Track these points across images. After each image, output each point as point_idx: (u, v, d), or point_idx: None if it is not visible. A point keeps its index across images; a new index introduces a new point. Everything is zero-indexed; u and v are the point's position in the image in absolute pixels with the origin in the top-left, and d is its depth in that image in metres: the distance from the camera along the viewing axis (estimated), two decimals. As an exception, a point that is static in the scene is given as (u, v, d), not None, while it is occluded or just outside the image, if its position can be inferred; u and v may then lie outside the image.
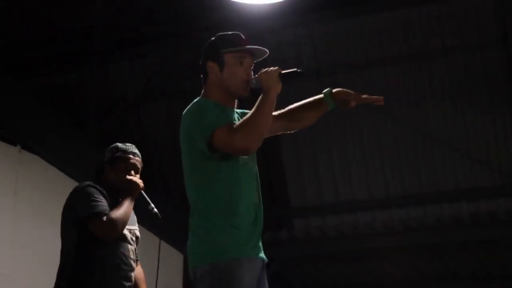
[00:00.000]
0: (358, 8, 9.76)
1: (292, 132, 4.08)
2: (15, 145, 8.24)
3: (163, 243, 9.79)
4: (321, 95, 3.95)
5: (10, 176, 8.11)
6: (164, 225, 9.60)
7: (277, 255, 11.02)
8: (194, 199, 3.63)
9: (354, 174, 10.87)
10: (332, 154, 10.81)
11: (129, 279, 4.53)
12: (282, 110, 3.96)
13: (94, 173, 4.78)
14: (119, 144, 4.76)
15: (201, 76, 3.80)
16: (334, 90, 3.94)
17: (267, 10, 9.08)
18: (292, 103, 4.02)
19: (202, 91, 3.78)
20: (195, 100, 3.69)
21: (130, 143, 4.81)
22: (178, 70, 10.11)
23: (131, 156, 4.71)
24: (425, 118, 10.28)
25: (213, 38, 3.81)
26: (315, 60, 9.97)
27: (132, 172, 4.67)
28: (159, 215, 4.72)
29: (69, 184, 4.69)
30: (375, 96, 3.91)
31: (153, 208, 4.74)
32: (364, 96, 3.91)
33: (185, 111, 3.68)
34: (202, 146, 3.51)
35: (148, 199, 4.73)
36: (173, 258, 10.12)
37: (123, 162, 4.67)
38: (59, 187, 6.18)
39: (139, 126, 10.46)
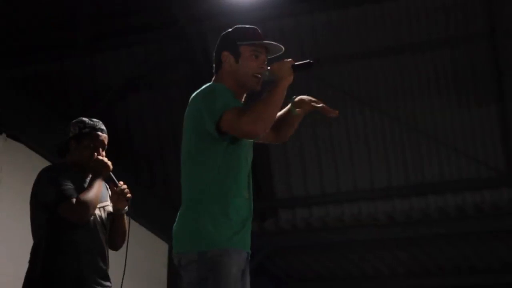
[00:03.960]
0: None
1: (277, 143, 4.11)
2: (0, 133, 8.20)
3: (149, 233, 9.85)
4: (289, 104, 3.96)
5: (-6, 165, 8.07)
6: (148, 214, 9.62)
7: (262, 246, 11.03)
8: (190, 183, 3.61)
9: (340, 166, 10.88)
10: (318, 146, 10.82)
11: (103, 259, 4.43)
12: None
13: (58, 150, 4.61)
14: (85, 119, 4.57)
15: (214, 65, 3.81)
16: (296, 99, 3.94)
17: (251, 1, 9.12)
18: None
19: (213, 78, 3.79)
20: (207, 84, 3.69)
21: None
22: (164, 60, 10.10)
23: (99, 133, 4.53)
24: (411, 110, 10.29)
25: (230, 30, 3.82)
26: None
27: (100, 150, 4.51)
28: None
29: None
30: (331, 110, 3.91)
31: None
32: (320, 105, 3.89)
33: (195, 93, 3.67)
34: (211, 128, 3.51)
35: (116, 180, 4.58)
36: (159, 248, 10.12)
37: (90, 139, 4.49)
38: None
39: (124, 115, 10.43)
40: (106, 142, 4.56)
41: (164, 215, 9.89)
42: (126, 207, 4.61)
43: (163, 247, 10.20)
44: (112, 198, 4.57)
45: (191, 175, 3.61)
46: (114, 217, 4.57)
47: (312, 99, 3.93)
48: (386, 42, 9.99)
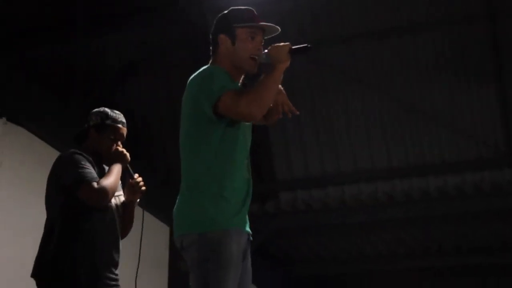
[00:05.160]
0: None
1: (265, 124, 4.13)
2: (0, 117, 8.21)
3: (149, 215, 9.87)
4: None
5: (-5, 148, 8.10)
6: (149, 197, 9.65)
7: (263, 228, 11.05)
8: (189, 166, 3.63)
9: (340, 147, 10.89)
10: (318, 128, 10.82)
11: (116, 249, 4.49)
12: None
13: (76, 136, 4.68)
14: (108, 111, 4.65)
15: (211, 47, 3.83)
16: None
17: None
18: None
19: (210, 61, 3.81)
20: (204, 67, 3.72)
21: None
22: (164, 43, 10.08)
23: (120, 126, 4.62)
24: (410, 91, 10.28)
25: (225, 12, 3.84)
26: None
27: (119, 142, 4.61)
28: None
29: (54, 156, 4.59)
30: (291, 107, 3.93)
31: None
32: (282, 97, 3.90)
33: (192, 76, 3.69)
34: (208, 110, 3.53)
35: (132, 172, 4.67)
36: (159, 230, 10.15)
37: (112, 131, 4.59)
38: (45, 158, 6.16)
39: (125, 99, 10.42)
40: (125, 135, 4.66)
41: (165, 198, 9.92)
42: (138, 199, 4.70)
43: (164, 229, 10.24)
44: (127, 189, 4.65)
45: (190, 158, 3.64)
46: (125, 207, 4.64)
47: (282, 91, 3.91)
48: (385, 23, 9.97)
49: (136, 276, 4.68)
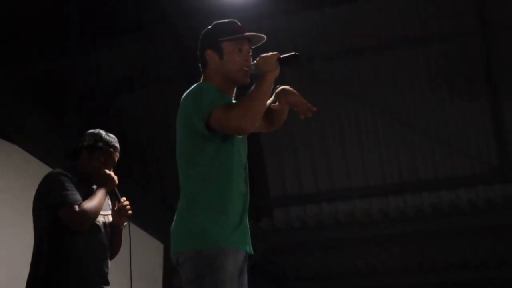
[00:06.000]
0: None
1: (268, 131, 4.11)
2: (-8, 134, 8.18)
3: (143, 233, 9.83)
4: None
5: (-13, 166, 8.06)
6: (143, 215, 9.60)
7: (257, 245, 10.90)
8: (185, 183, 3.62)
9: (333, 164, 10.88)
10: (311, 144, 10.82)
11: (105, 264, 4.50)
12: None
13: (68, 154, 4.71)
14: (102, 133, 4.67)
15: (200, 64, 3.81)
16: (278, 89, 3.93)
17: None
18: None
19: (201, 78, 3.79)
20: (195, 84, 3.70)
21: (109, 130, 4.75)
22: (157, 58, 10.08)
23: (112, 150, 4.64)
24: (404, 106, 10.29)
25: (209, 27, 3.82)
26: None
27: (109, 167, 4.62)
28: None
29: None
30: (308, 105, 3.90)
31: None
32: (295, 99, 3.88)
33: (185, 93, 3.67)
34: (201, 126, 3.52)
35: (119, 195, 4.68)
36: (153, 248, 10.10)
37: (103, 155, 4.60)
38: (38, 176, 6.13)
39: (118, 114, 10.41)
40: (116, 160, 4.68)
41: (159, 215, 9.89)
42: (125, 223, 4.70)
43: (158, 247, 10.19)
44: (113, 212, 4.66)
45: (185, 175, 3.62)
46: (112, 230, 4.65)
47: (295, 92, 3.90)
48: (379, 38, 10.00)
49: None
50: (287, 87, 3.92)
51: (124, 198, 4.68)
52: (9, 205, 7.96)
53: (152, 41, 10.00)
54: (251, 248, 3.66)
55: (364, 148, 10.66)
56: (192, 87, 3.68)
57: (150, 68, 10.25)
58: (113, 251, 4.68)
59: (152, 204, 10.16)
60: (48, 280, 4.26)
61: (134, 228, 9.36)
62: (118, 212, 4.64)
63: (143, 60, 10.14)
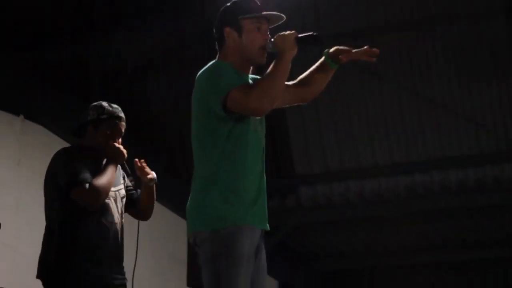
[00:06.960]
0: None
1: (307, 102, 4.02)
2: (18, 115, 8.21)
3: (169, 212, 9.87)
4: (323, 57, 3.90)
5: (13, 146, 8.09)
6: (170, 195, 9.65)
7: (283, 223, 11.03)
8: (200, 163, 3.61)
9: (359, 142, 10.85)
10: (336, 122, 10.79)
11: (117, 244, 4.38)
12: (294, 81, 3.92)
13: (73, 131, 4.57)
14: (105, 105, 4.50)
15: (216, 42, 3.78)
16: (330, 50, 3.87)
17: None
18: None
19: (218, 55, 3.75)
20: (211, 62, 3.67)
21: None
22: (181, 39, 10.06)
23: (117, 121, 4.48)
24: (429, 85, 10.24)
25: (228, 4, 3.77)
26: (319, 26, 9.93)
27: (116, 138, 4.46)
28: (135, 187, 4.63)
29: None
30: (365, 49, 3.84)
31: (132, 180, 4.61)
32: (355, 50, 3.84)
33: (200, 72, 3.65)
34: (217, 107, 3.48)
35: (128, 170, 4.58)
36: (179, 226, 10.13)
37: (108, 127, 4.45)
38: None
39: (143, 96, 10.42)
40: (123, 130, 4.52)
41: (184, 195, 9.90)
42: (155, 178, 4.64)
43: (183, 225, 10.21)
44: (144, 189, 4.61)
45: (200, 156, 3.61)
46: (145, 189, 4.62)
47: (349, 49, 3.84)
48: (404, 16, 9.92)
49: (134, 268, 4.57)
50: (340, 47, 3.85)
51: (136, 160, 4.62)
52: (35, 185, 8.01)
53: (178, 22, 9.97)
54: (268, 225, 3.63)
55: (389, 126, 10.62)
56: (209, 64, 3.65)
57: (175, 50, 10.23)
58: (149, 210, 4.66)
59: (176, 184, 10.18)
60: (59, 263, 4.20)
61: (160, 207, 9.42)
62: (140, 172, 4.59)
63: (168, 41, 10.12)
